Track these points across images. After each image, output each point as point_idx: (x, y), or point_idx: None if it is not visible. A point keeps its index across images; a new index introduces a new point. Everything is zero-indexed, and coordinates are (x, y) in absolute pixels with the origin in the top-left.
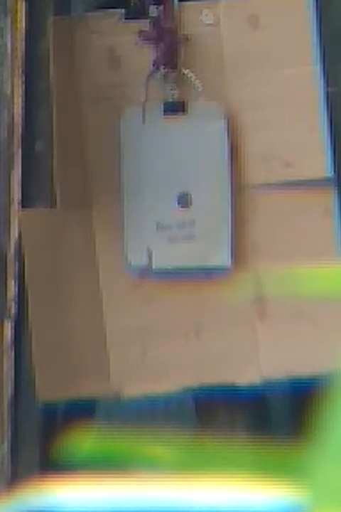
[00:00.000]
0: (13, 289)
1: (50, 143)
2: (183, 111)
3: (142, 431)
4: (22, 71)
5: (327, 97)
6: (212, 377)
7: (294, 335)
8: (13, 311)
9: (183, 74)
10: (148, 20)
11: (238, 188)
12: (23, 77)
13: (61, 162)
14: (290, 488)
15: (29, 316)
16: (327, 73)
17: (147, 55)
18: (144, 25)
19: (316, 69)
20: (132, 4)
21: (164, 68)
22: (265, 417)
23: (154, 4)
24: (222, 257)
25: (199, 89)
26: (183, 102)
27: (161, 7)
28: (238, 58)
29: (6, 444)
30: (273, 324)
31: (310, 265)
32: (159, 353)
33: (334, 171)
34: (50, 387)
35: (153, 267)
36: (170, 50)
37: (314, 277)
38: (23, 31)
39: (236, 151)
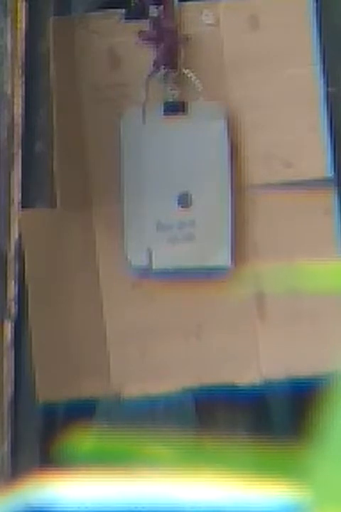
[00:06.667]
0: (13, 289)
1: (50, 143)
2: (183, 111)
3: (142, 431)
4: (22, 71)
5: (327, 97)
6: (212, 377)
7: (294, 335)
8: (13, 311)
9: (183, 74)
10: (148, 21)
11: (238, 188)
12: (23, 77)
13: (61, 162)
14: (290, 488)
15: (29, 316)
16: (327, 73)
17: (147, 55)
18: (144, 25)
19: (316, 69)
20: (132, 4)
21: (164, 68)
22: (265, 418)
23: (154, 4)
24: (222, 257)
25: (199, 89)
26: (183, 102)
27: (161, 7)
28: (238, 58)
29: (6, 444)
30: (273, 324)
31: (309, 262)
32: (159, 353)
33: (334, 171)
34: (50, 387)
35: (153, 267)
36: (170, 50)
37: (314, 273)
38: (23, 31)
39: (236, 151)
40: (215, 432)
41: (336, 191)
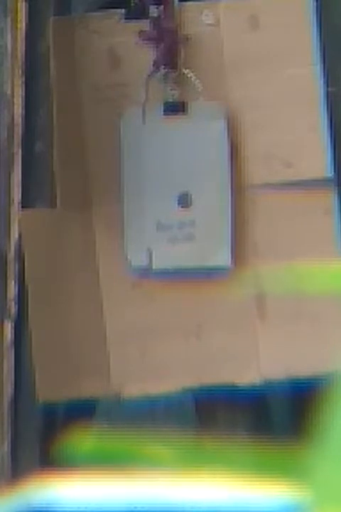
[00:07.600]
0: (13, 289)
1: (50, 143)
2: (183, 111)
3: (142, 431)
4: (22, 71)
5: (327, 97)
6: (212, 377)
7: (294, 335)
8: (13, 311)
9: (183, 74)
10: (148, 21)
11: (238, 188)
12: (23, 77)
13: (61, 162)
14: (290, 488)
15: (29, 316)
16: (327, 73)
17: (147, 55)
18: (144, 25)
19: (316, 69)
20: (132, 4)
21: (164, 68)
22: (265, 418)
23: (154, 4)
24: (222, 257)
25: (199, 89)
26: (183, 102)
27: (161, 7)
28: (238, 58)
29: (6, 444)
30: (273, 324)
31: (310, 263)
32: (159, 353)
33: (334, 171)
34: (50, 387)
35: (153, 267)
36: (171, 50)
37: (314, 274)
38: (23, 31)
39: (236, 151)
40: (215, 432)
41: (336, 191)
